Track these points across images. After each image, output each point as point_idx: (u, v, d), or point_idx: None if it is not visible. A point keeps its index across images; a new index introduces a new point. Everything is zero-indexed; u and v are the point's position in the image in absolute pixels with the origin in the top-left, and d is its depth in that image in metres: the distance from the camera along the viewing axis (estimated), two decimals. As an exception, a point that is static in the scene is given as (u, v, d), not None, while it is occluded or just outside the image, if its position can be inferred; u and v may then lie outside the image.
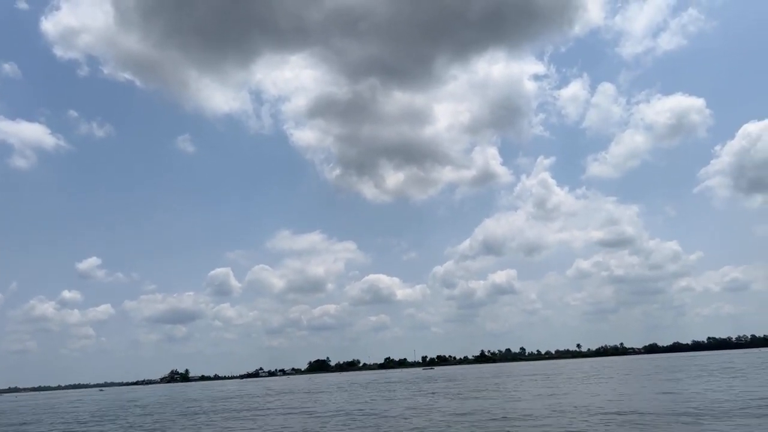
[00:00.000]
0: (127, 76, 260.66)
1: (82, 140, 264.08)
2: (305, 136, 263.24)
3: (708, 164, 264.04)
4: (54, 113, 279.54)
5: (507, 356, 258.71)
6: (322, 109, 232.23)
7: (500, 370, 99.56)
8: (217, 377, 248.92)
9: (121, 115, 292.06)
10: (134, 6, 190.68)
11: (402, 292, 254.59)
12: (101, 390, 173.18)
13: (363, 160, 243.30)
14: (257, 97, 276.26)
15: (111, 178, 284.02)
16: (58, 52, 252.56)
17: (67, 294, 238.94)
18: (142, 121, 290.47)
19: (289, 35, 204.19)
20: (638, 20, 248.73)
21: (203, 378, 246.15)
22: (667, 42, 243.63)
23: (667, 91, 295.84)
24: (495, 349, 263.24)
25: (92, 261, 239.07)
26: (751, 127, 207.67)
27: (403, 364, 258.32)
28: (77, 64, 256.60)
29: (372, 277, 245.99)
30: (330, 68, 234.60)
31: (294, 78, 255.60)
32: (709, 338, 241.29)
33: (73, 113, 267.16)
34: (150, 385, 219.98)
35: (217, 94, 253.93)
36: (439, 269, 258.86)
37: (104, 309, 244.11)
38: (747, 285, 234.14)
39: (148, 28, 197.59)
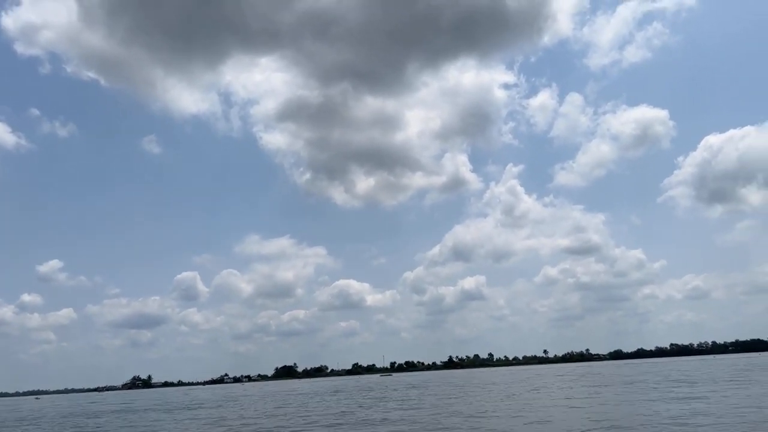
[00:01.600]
0: (91, 74, 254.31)
1: (44, 139, 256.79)
2: (275, 139, 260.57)
3: (671, 175, 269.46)
4: (15, 111, 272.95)
5: (475, 362, 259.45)
6: (293, 112, 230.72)
7: (457, 376, 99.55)
8: (181, 383, 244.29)
9: (84, 115, 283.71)
10: (98, 2, 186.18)
11: (372, 297, 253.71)
12: (37, 398, 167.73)
13: (333, 164, 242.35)
14: (226, 99, 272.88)
15: (74, 179, 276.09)
16: (19, 48, 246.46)
17: (26, 297, 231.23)
18: (107, 120, 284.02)
19: (259, 37, 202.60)
20: (605, 32, 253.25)
21: (166, 384, 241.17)
22: (633, 54, 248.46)
23: (633, 103, 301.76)
24: (464, 354, 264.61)
25: (53, 264, 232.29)
26: (713, 139, 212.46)
27: (371, 369, 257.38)
28: (39, 62, 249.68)
29: (342, 282, 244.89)
30: (301, 71, 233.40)
31: (264, 81, 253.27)
32: (671, 345, 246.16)
33: (34, 111, 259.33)
34: (110, 392, 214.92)
35: (185, 95, 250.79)
36: (409, 275, 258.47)
37: (66, 313, 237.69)
38: (708, 293, 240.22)
39: (113, 25, 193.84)
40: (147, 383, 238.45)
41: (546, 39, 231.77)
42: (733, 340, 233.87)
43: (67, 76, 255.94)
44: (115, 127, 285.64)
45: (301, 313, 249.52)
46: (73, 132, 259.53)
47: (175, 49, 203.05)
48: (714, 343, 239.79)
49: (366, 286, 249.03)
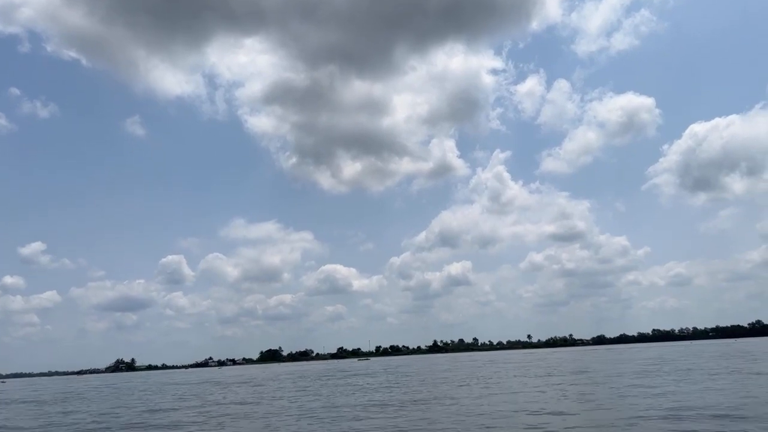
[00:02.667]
0: (72, 53, 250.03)
1: (25, 119, 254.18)
2: (261, 122, 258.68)
3: (656, 162, 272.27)
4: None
5: (460, 346, 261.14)
6: (279, 95, 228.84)
7: (436, 361, 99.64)
8: (165, 366, 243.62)
9: (66, 95, 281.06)
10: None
11: (359, 282, 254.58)
12: (3, 382, 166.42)
13: (320, 149, 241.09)
14: (210, 81, 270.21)
15: (56, 160, 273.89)
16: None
17: (8, 279, 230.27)
18: (89, 101, 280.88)
19: (244, 17, 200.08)
20: (593, 19, 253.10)
21: (150, 367, 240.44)
22: (620, 41, 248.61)
23: (619, 90, 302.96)
24: (449, 339, 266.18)
25: (36, 246, 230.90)
26: (698, 128, 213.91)
27: (356, 354, 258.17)
28: (18, 40, 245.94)
29: (329, 267, 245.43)
30: (287, 53, 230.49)
31: (249, 63, 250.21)
32: (653, 330, 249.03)
33: (14, 91, 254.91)
34: (93, 375, 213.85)
35: (168, 76, 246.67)
36: (395, 260, 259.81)
37: (49, 296, 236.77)
38: (690, 280, 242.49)
39: (94, 3, 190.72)
40: (131, 366, 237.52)
41: (534, 24, 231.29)
42: (714, 326, 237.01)
43: (47, 55, 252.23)
44: (98, 107, 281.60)
45: (287, 298, 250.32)
46: (54, 112, 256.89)
47: (158, 28, 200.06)
48: (695, 329, 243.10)
49: (353, 271, 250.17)
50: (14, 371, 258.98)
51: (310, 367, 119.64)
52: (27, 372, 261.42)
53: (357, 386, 37.08)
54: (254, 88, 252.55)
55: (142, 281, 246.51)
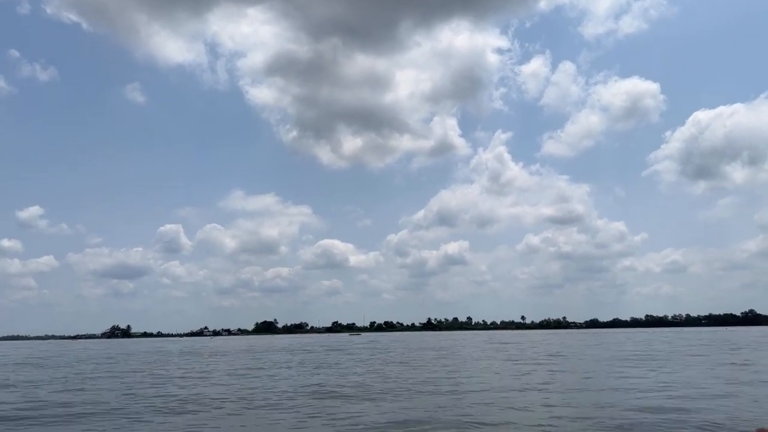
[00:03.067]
0: (72, 17, 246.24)
1: (25, 82, 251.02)
2: (262, 94, 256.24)
3: (658, 149, 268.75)
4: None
5: (453, 325, 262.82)
6: (281, 66, 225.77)
7: (427, 338, 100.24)
8: (160, 334, 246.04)
9: (66, 58, 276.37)
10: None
11: (355, 258, 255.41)
12: None
13: (321, 123, 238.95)
14: (212, 49, 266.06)
15: (55, 124, 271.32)
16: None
17: (6, 243, 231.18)
18: (89, 65, 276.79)
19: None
20: (602, 1, 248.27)
21: (145, 335, 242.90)
22: (628, 25, 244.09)
23: (625, 74, 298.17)
24: (443, 317, 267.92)
25: (34, 210, 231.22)
26: (701, 115, 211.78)
27: (351, 328, 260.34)
28: (17, 1, 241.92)
29: (326, 242, 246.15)
30: (291, 24, 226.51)
31: (252, 33, 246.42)
32: (647, 316, 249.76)
33: (14, 53, 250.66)
34: (89, 340, 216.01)
35: (170, 43, 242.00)
36: (393, 237, 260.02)
37: (47, 260, 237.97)
38: (685, 267, 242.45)
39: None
40: (126, 333, 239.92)
41: (542, 4, 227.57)
42: (707, 314, 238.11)
43: (47, 17, 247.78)
44: (98, 72, 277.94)
45: (284, 271, 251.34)
46: (54, 76, 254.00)
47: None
48: (688, 315, 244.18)
49: (350, 246, 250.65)
50: (10, 333, 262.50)
51: (302, 339, 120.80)
52: (23, 335, 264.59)
53: (324, 362, 37.08)
54: (256, 58, 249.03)
55: (139, 249, 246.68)
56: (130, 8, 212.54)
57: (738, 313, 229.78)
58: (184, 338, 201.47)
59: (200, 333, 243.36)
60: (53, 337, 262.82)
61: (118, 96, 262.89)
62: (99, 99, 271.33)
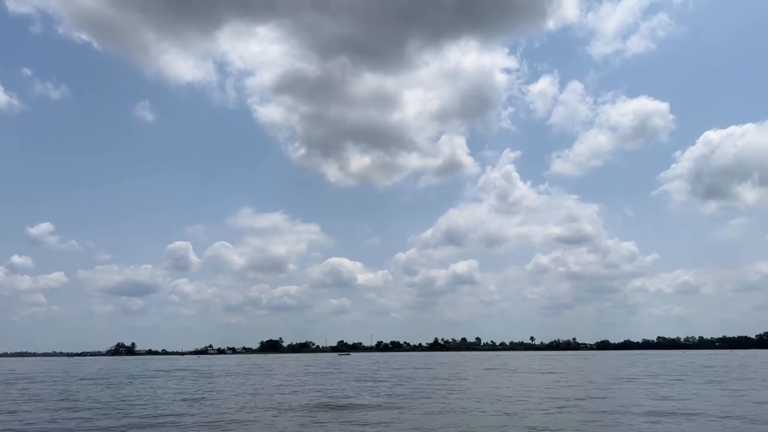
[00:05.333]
0: (83, 36, 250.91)
1: (37, 100, 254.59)
2: (270, 112, 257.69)
3: (668, 168, 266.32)
4: (6, 70, 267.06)
5: (461, 345, 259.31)
6: (289, 85, 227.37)
7: (427, 360, 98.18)
8: (165, 352, 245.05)
9: (77, 77, 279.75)
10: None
11: (364, 276, 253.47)
12: None
13: (329, 141, 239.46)
14: (221, 68, 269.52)
15: (67, 142, 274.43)
16: (11, 5, 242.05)
17: (17, 259, 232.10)
18: (100, 83, 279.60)
19: (257, 4, 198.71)
20: (610, 20, 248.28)
21: (150, 352, 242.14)
22: (636, 44, 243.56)
23: (633, 94, 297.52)
24: (452, 337, 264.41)
25: (45, 227, 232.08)
26: (712, 135, 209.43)
27: (357, 348, 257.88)
28: (30, 21, 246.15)
29: (334, 260, 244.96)
30: (299, 43, 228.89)
31: (261, 52, 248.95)
32: (658, 338, 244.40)
33: (27, 71, 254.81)
34: (93, 357, 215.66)
35: (179, 62, 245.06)
36: (401, 256, 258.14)
37: (57, 277, 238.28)
38: (697, 288, 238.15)
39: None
40: (131, 350, 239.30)
41: (551, 24, 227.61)
42: (720, 336, 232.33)
43: (58, 37, 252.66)
44: (109, 91, 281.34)
45: (292, 289, 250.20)
46: (65, 94, 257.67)
47: (170, 12, 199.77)
48: (701, 338, 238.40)
49: (358, 265, 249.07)
50: (19, 350, 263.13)
51: (307, 358, 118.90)
52: (32, 351, 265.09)
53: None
54: (265, 77, 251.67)
55: (148, 266, 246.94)
56: (140, 27, 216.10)
57: (753, 336, 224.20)
58: (186, 356, 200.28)
59: (205, 351, 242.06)
60: (61, 354, 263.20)
61: (129, 114, 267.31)
62: (110, 117, 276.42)
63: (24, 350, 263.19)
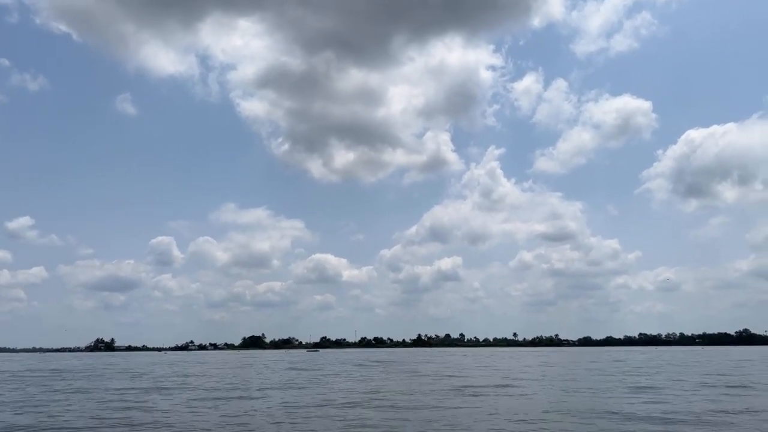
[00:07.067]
0: (62, 27, 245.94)
1: (14, 91, 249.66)
2: (253, 107, 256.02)
3: (650, 167, 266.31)
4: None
5: (444, 341, 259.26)
6: (273, 79, 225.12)
7: (401, 356, 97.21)
8: (145, 348, 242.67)
9: (56, 68, 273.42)
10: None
11: (348, 273, 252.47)
12: None
13: (313, 136, 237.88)
14: (203, 61, 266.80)
15: (46, 134, 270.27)
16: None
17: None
18: (80, 75, 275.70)
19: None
20: (594, 19, 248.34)
21: (130, 348, 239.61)
22: (620, 43, 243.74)
23: (616, 92, 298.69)
24: (436, 333, 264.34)
25: (24, 221, 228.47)
26: (694, 134, 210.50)
27: (340, 344, 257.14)
28: (7, 10, 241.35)
29: (319, 256, 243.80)
30: (283, 37, 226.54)
31: (244, 45, 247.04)
32: (640, 334, 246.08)
33: (4, 62, 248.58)
34: (72, 353, 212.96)
35: (161, 55, 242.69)
36: (386, 252, 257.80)
37: (37, 272, 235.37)
38: (678, 286, 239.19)
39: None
40: (110, 346, 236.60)
41: (536, 21, 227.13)
42: (701, 333, 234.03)
43: (36, 28, 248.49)
44: (89, 83, 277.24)
45: (276, 285, 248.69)
46: (44, 86, 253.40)
47: (151, 4, 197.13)
48: (682, 334, 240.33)
49: (343, 261, 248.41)
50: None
51: (253, 357, 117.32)
52: (11, 347, 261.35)
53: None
54: (248, 71, 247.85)
55: (131, 261, 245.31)
56: (119, 19, 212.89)
57: (732, 333, 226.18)
58: (169, 353, 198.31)
59: (186, 347, 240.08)
60: (41, 349, 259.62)
61: (110, 107, 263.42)
62: (90, 109, 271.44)
63: (3, 346, 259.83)
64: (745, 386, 27.69)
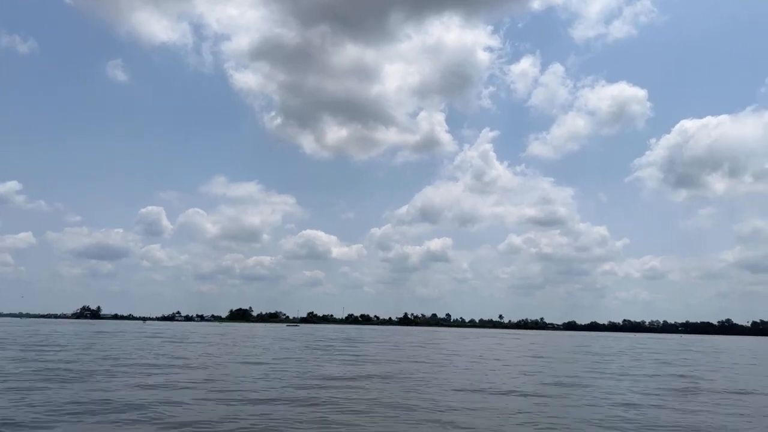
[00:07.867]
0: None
1: (3, 53, 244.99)
2: (247, 79, 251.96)
3: (642, 155, 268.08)
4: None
5: (431, 321, 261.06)
6: (267, 52, 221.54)
7: (383, 333, 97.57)
8: (131, 317, 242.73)
9: (46, 30, 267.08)
10: None
11: (338, 250, 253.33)
12: None
13: (305, 111, 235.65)
14: (197, 30, 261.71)
15: (35, 98, 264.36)
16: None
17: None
18: (71, 39, 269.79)
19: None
20: (594, 4, 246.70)
21: (116, 317, 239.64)
22: (618, 29, 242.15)
23: (612, 79, 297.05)
24: (423, 313, 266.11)
25: (11, 185, 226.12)
26: (688, 124, 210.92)
27: (327, 320, 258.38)
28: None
29: (309, 232, 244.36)
30: (279, 8, 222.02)
31: (239, 15, 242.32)
32: (624, 321, 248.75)
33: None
34: (57, 320, 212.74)
35: (154, 22, 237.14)
36: (376, 231, 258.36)
37: (24, 237, 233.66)
38: (664, 274, 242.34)
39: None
40: (96, 314, 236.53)
41: (535, 4, 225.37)
42: (684, 321, 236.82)
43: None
44: (80, 46, 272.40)
45: (266, 259, 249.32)
46: (33, 49, 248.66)
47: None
48: (665, 322, 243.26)
49: (333, 238, 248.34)
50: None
51: (238, 330, 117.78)
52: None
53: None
54: (242, 42, 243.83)
55: (119, 230, 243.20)
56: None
57: (715, 322, 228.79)
58: (155, 322, 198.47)
59: (172, 318, 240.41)
60: (28, 315, 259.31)
61: (100, 72, 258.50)
62: (80, 74, 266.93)
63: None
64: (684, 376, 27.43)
